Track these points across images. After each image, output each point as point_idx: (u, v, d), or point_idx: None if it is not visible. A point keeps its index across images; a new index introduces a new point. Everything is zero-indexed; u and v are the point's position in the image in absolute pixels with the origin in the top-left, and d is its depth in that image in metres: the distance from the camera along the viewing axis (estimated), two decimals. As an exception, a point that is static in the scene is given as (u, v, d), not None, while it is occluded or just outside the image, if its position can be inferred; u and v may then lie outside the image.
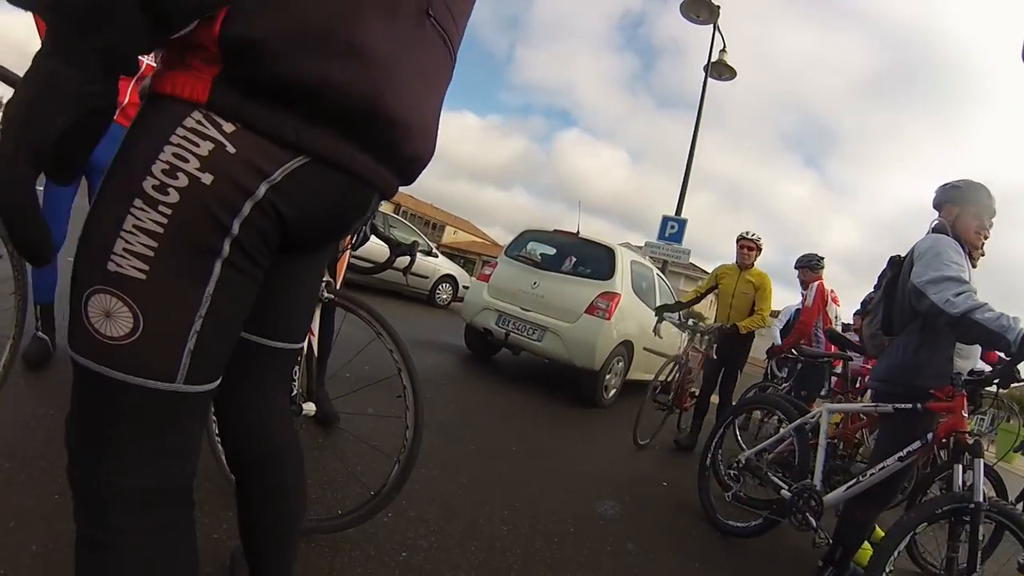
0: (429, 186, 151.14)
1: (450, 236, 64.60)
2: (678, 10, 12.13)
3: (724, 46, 13.27)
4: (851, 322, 8.51)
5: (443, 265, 14.70)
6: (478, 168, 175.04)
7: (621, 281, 7.24)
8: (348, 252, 3.58)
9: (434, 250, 14.48)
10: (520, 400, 6.49)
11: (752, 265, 6.40)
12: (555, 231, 8.21)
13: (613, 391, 7.47)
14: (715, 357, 6.31)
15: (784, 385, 7.11)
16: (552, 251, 8.18)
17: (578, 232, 7.83)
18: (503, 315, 7.34)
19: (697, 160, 13.03)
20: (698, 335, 6.53)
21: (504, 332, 7.23)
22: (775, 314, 9.56)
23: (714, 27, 12.98)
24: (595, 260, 7.60)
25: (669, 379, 6.23)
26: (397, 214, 53.99)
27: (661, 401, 6.14)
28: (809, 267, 7.11)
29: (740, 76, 13.17)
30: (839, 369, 6.40)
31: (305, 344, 2.49)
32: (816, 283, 6.84)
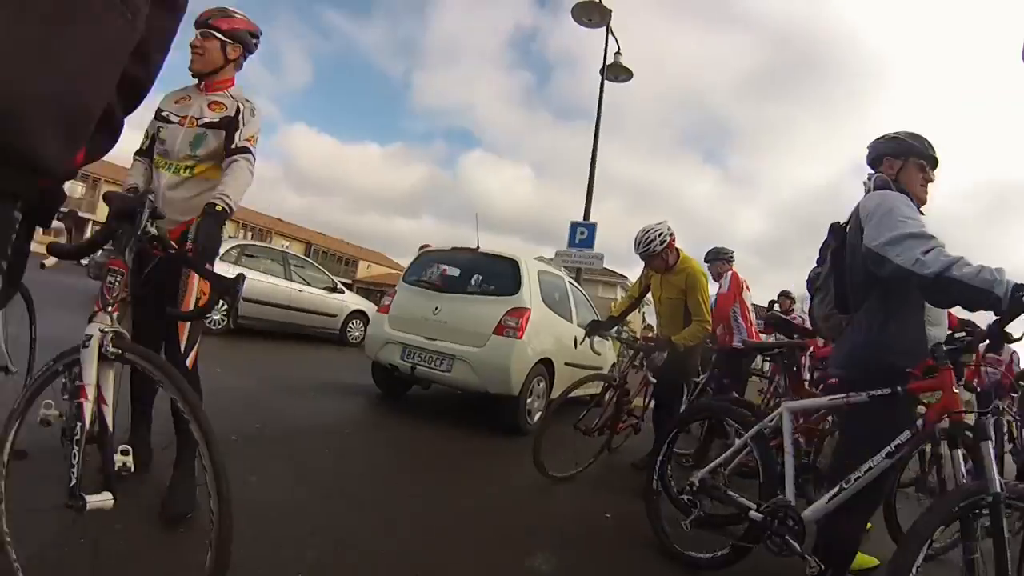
0: (338, 221, 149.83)
1: (364, 271, 64.03)
2: (567, 22, 12.09)
3: (619, 48, 13.23)
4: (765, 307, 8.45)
5: (351, 301, 14.15)
6: (385, 198, 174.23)
7: (530, 294, 6.70)
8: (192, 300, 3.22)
9: (339, 286, 13.88)
10: (435, 439, 5.95)
11: (672, 264, 5.50)
12: (453, 248, 7.64)
13: (538, 413, 6.86)
14: (653, 379, 5.55)
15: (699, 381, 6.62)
16: (455, 271, 7.54)
17: (478, 247, 7.24)
18: (407, 347, 6.72)
19: (601, 166, 13.02)
20: (632, 352, 5.79)
21: (410, 366, 6.61)
22: None
23: (607, 30, 12.84)
24: (499, 275, 7.05)
25: (595, 399, 5.56)
26: (308, 254, 53.52)
27: (584, 429, 5.27)
28: (721, 260, 6.99)
29: (634, 80, 13.21)
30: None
31: (87, 418, 2.02)
32: (730, 272, 6.76)
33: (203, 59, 3.38)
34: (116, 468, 2.24)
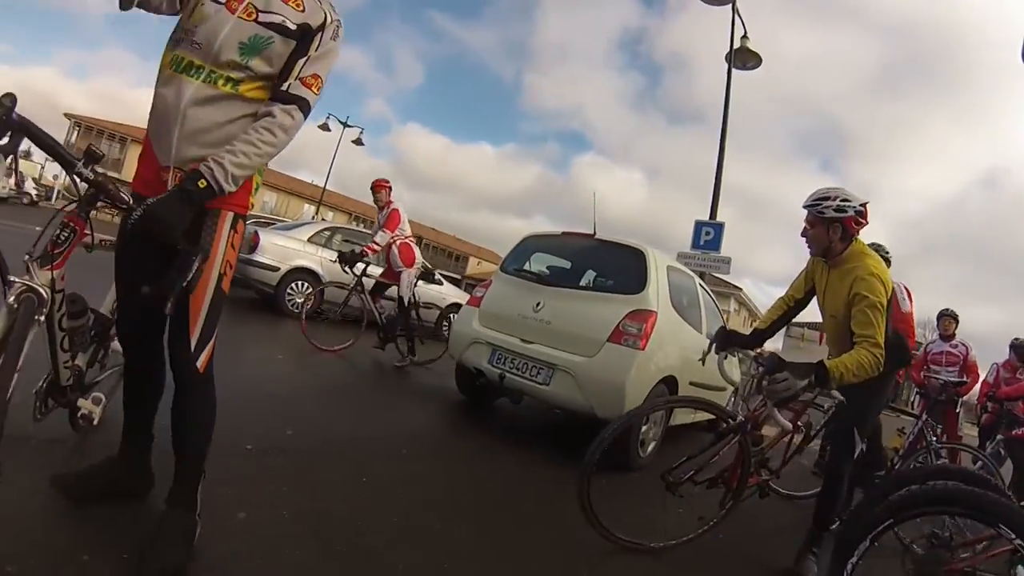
0: (451, 218, 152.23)
1: (474, 267, 63.81)
2: (675, 23, 10.87)
3: (745, 31, 11.66)
4: None
5: (449, 293, 13.09)
6: (498, 198, 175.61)
7: (656, 294, 5.30)
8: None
9: (437, 275, 12.79)
10: (516, 470, 4.67)
11: (842, 251, 3.70)
12: (563, 233, 6.31)
13: (652, 444, 5.50)
14: (787, 424, 3.73)
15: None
16: (563, 262, 6.33)
17: (595, 232, 5.85)
18: (498, 350, 5.47)
19: (712, 171, 11.61)
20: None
21: (499, 373, 5.35)
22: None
23: (733, 9, 11.50)
24: (619, 268, 5.73)
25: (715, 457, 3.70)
26: (419, 246, 53.81)
27: (672, 483, 3.57)
28: None
29: (746, 83, 11.82)
30: None
31: None
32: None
33: None
34: (79, 414, 2.70)
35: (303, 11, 2.31)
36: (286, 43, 2.29)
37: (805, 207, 3.67)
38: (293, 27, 2.28)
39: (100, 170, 2.12)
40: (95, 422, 2.84)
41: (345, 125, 31.90)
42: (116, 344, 3.00)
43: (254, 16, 2.25)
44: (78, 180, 2.09)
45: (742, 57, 11.70)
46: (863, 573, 2.59)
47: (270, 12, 2.27)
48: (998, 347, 8.44)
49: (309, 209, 46.51)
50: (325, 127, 30.99)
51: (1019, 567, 2.45)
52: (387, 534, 2.93)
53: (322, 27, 2.33)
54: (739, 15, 11.54)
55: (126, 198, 2.17)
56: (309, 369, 6.52)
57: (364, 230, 13.05)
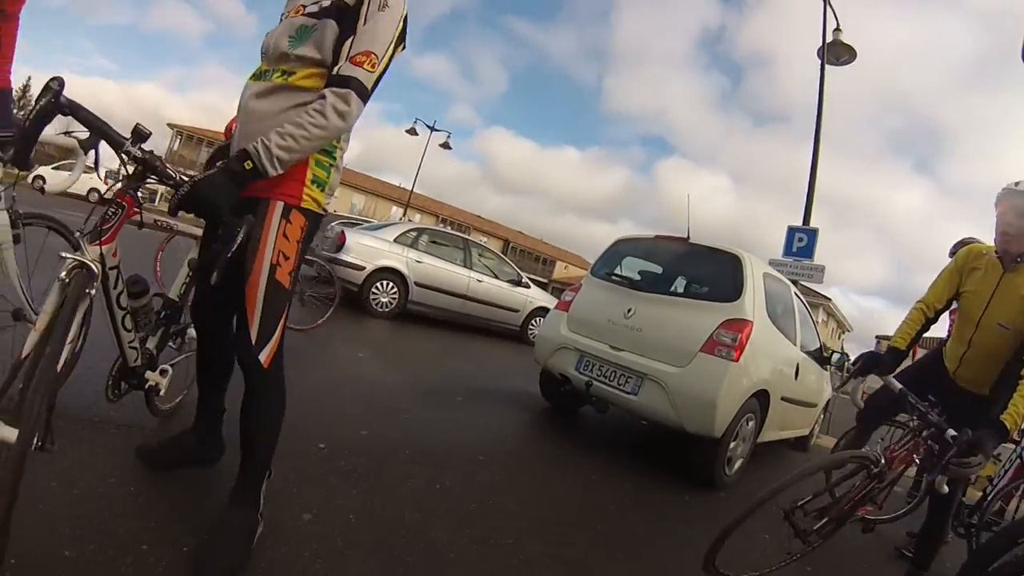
0: (537, 222, 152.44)
1: (561, 271, 63.66)
2: (754, 20, 10.39)
3: (838, 24, 10.95)
4: None
5: (536, 296, 12.92)
6: (583, 202, 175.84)
7: (753, 303, 5.04)
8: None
9: (524, 279, 12.80)
10: (598, 483, 4.46)
11: None
12: (657, 237, 6.04)
13: (739, 462, 5.25)
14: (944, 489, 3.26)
15: None
16: (655, 267, 6.10)
17: (688, 236, 5.62)
18: (585, 356, 5.30)
19: (799, 172, 11.26)
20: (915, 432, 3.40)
21: (586, 380, 5.16)
22: None
23: (824, 1, 10.91)
24: (714, 274, 5.47)
25: (835, 489, 3.42)
26: (505, 251, 54.06)
27: (800, 525, 3.23)
28: None
29: (835, 79, 11.00)
30: None
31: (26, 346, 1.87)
32: None
33: None
34: (147, 386, 2.83)
35: None
36: (326, 27, 2.28)
37: (1015, 192, 3.18)
38: (328, 4, 2.29)
39: (147, 148, 2.20)
40: (161, 392, 2.95)
41: (432, 129, 32.33)
42: (192, 331, 3.12)
43: (301, 12, 2.35)
44: (126, 159, 2.18)
45: (835, 52, 10.98)
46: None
47: (315, 4, 2.33)
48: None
49: (397, 211, 47.19)
50: (413, 131, 31.72)
51: None
52: (458, 548, 2.82)
53: (360, 1, 2.29)
54: (831, 6, 10.96)
55: (173, 175, 2.21)
56: (390, 369, 6.49)
57: (452, 232, 13.06)
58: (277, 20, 2.52)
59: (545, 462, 4.66)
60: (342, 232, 10.33)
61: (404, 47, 2.47)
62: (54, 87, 2.00)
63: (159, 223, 2.79)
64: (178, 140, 50.34)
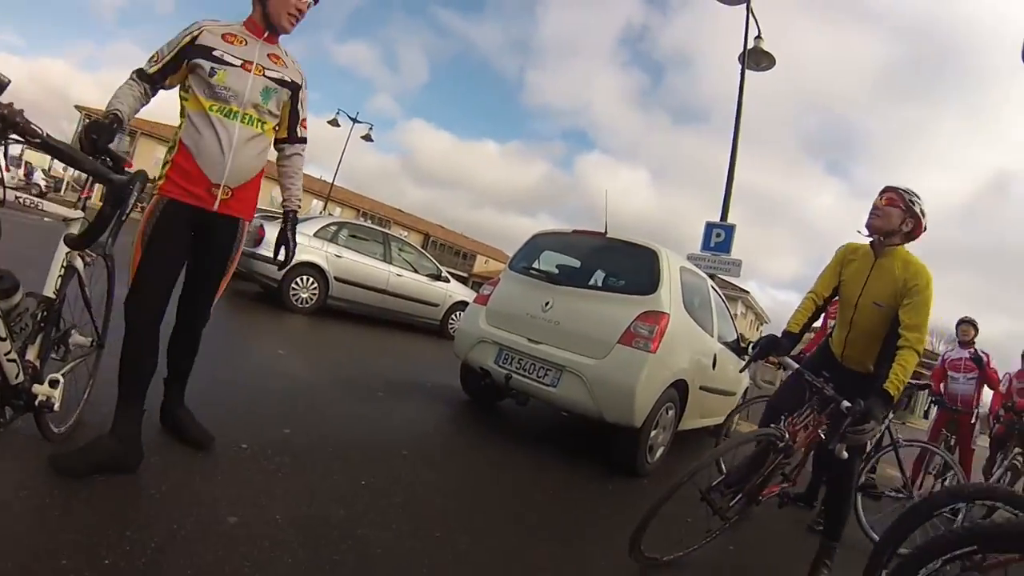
0: (457, 215, 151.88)
1: (481, 265, 63.61)
2: (678, 20, 10.69)
3: (759, 32, 11.37)
4: None
5: (456, 290, 12.85)
6: (503, 195, 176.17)
7: (669, 295, 5.11)
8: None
9: (444, 273, 12.69)
10: (520, 476, 4.48)
11: (897, 244, 3.67)
12: (574, 232, 6.13)
13: (660, 450, 5.34)
14: (844, 455, 3.47)
15: None
16: (573, 261, 6.12)
17: (606, 231, 5.66)
18: (504, 350, 5.30)
19: (718, 170, 11.57)
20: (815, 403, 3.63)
21: (505, 374, 5.17)
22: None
23: (747, 9, 11.21)
24: (631, 268, 5.55)
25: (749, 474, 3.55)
26: (425, 245, 53.82)
27: (717, 504, 3.40)
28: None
29: (752, 81, 11.45)
30: None
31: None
32: None
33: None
34: (37, 402, 2.39)
35: (285, 69, 3.18)
36: (281, 94, 3.16)
37: (893, 188, 3.63)
38: (286, 80, 3.16)
39: (4, 102, 1.86)
40: (55, 406, 2.46)
41: (355, 121, 31.69)
42: (77, 336, 2.83)
43: (263, 73, 3.06)
44: None
45: (756, 58, 11.41)
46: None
47: (272, 70, 3.10)
48: (1005, 357, 8.26)
49: (317, 204, 46.36)
50: (335, 123, 30.99)
51: None
52: (385, 542, 2.78)
53: (302, 87, 3.27)
54: (754, 15, 11.25)
55: (38, 130, 1.93)
56: (310, 366, 6.37)
57: (372, 226, 12.91)
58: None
59: (468, 456, 4.65)
60: (261, 226, 10.09)
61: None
62: None
63: (22, 201, 2.23)
64: (85, 123, 47.01)
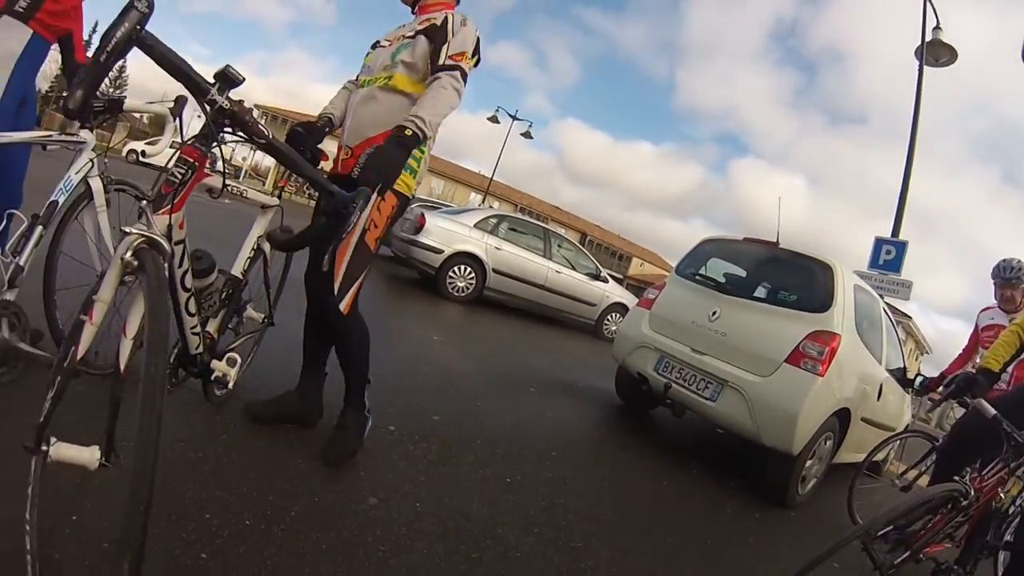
0: (610, 216, 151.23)
1: (636, 268, 63.01)
2: (829, 12, 9.83)
3: (938, 22, 10.25)
4: None
5: (613, 291, 12.71)
6: (656, 198, 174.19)
7: (843, 316, 4.84)
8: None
9: (603, 273, 12.59)
10: (668, 491, 4.37)
11: None
12: (745, 240, 5.87)
13: (812, 482, 5.04)
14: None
15: None
16: (741, 271, 5.91)
17: (778, 241, 5.43)
18: (665, 357, 5.17)
19: (878, 178, 10.76)
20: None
21: (664, 382, 5.04)
22: None
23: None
24: (803, 282, 5.24)
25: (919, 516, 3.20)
26: (583, 243, 53.85)
27: (879, 559, 2.96)
28: None
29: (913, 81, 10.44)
30: None
31: (82, 343, 1.59)
32: None
33: None
34: (213, 377, 2.64)
35: (433, 20, 2.98)
36: (420, 42, 2.94)
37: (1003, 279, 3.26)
38: (422, 27, 2.96)
39: (236, 98, 1.89)
40: (230, 385, 2.76)
41: (514, 118, 32.51)
42: (251, 311, 3.15)
43: (400, 39, 3.03)
44: (208, 109, 1.83)
45: (934, 51, 10.34)
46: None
47: (411, 30, 3.02)
48: None
49: (475, 197, 47.14)
50: (495, 119, 31.79)
51: None
52: (525, 547, 2.75)
53: (446, 20, 2.96)
54: (932, 4, 10.19)
55: (265, 131, 1.97)
56: (464, 355, 6.47)
57: (532, 220, 12.97)
58: (352, 11, 2.92)
59: (616, 463, 4.57)
60: (421, 215, 10.34)
61: (478, 62, 3.07)
62: (141, 8, 1.56)
63: (230, 189, 2.38)
64: (263, 120, 50.36)
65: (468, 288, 10.42)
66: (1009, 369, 4.68)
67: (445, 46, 2.90)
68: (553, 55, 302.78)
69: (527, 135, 32.97)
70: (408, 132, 2.62)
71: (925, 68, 10.57)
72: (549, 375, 6.92)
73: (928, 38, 10.36)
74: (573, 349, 10.16)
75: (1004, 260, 5.16)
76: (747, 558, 3.64)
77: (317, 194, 2.48)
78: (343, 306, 2.83)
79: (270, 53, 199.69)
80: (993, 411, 3.19)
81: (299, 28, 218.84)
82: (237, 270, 2.83)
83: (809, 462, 4.81)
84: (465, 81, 2.92)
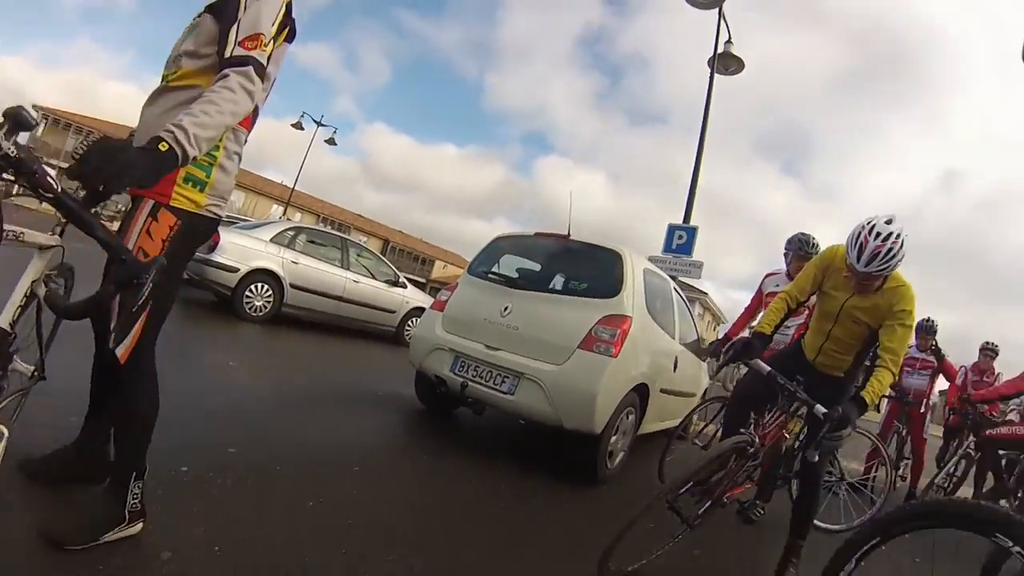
0: (415, 219, 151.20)
1: (439, 270, 63.47)
2: (637, 22, 10.97)
3: (730, 36, 11.57)
4: None
5: (412, 296, 12.59)
6: (461, 199, 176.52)
7: (632, 298, 4.98)
8: None
9: (401, 279, 12.48)
10: (485, 484, 4.34)
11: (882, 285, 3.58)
12: (536, 234, 5.93)
13: (620, 455, 5.21)
14: (814, 458, 3.69)
15: None
16: (535, 265, 5.97)
17: (568, 233, 5.52)
18: (460, 357, 5.10)
19: (677, 172, 11.78)
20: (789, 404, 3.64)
21: (461, 382, 4.97)
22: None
23: (719, 13, 11.33)
24: (594, 271, 5.40)
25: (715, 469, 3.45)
26: (385, 250, 53.53)
27: (684, 512, 3.31)
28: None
29: (707, 82, 11.80)
30: None
31: None
32: None
33: None
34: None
35: None
36: (208, 21, 2.29)
37: (863, 271, 3.39)
38: (212, 2, 2.30)
39: (25, 144, 1.60)
40: None
41: (319, 124, 31.44)
42: (19, 363, 2.52)
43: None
44: None
45: (725, 62, 11.62)
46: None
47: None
48: (952, 351, 8.50)
49: (278, 210, 45.60)
50: (299, 125, 30.34)
51: None
52: (335, 568, 2.59)
53: None
54: (725, 20, 11.43)
55: (54, 184, 1.64)
56: (261, 377, 6.16)
57: (329, 231, 12.67)
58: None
59: (422, 469, 4.45)
60: (215, 231, 9.64)
61: (292, 39, 2.51)
62: None
63: (9, 235, 1.85)
64: (43, 124, 44.59)
65: (266, 306, 9.95)
66: (791, 331, 5.02)
67: (234, 27, 2.23)
68: (366, 56, 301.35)
69: (331, 141, 31.95)
70: (163, 147, 1.91)
71: (716, 76, 11.76)
72: (350, 387, 6.73)
73: (720, 50, 11.56)
74: (374, 358, 10.01)
75: (803, 234, 5.48)
76: (565, 539, 3.67)
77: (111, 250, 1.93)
78: (120, 352, 2.27)
79: (59, 43, 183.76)
80: (768, 368, 3.52)
81: (94, 15, 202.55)
82: (4, 322, 2.35)
83: (614, 438, 4.95)
84: (262, 73, 2.24)
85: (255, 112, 2.53)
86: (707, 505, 3.40)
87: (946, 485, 7.15)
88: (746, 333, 5.13)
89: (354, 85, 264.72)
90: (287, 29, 2.45)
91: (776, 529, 4.37)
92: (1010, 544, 2.03)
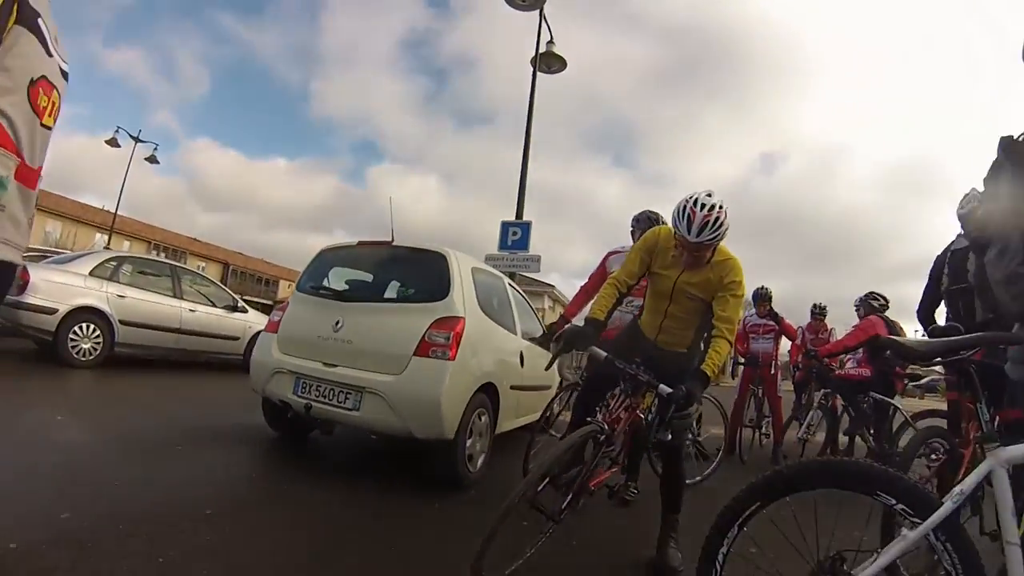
0: (253, 239, 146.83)
1: (285, 290, 61.39)
2: (460, 24, 11.33)
3: (551, 36, 12.32)
4: None
5: (255, 320, 12.12)
6: (296, 214, 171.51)
7: (463, 298, 5.01)
8: None
9: (240, 303, 12.05)
10: (346, 507, 4.23)
11: (711, 258, 3.71)
12: (360, 244, 5.85)
13: (481, 457, 5.23)
14: (669, 437, 3.70)
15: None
16: (364, 276, 5.91)
17: (392, 239, 5.48)
18: (301, 378, 4.98)
19: (508, 171, 12.06)
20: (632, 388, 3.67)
21: (305, 403, 4.86)
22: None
23: (540, 14, 11.93)
24: (421, 275, 5.41)
25: (569, 461, 3.64)
26: (226, 274, 51.84)
27: (549, 509, 3.30)
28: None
29: (531, 82, 12.49)
30: None
31: None
32: None
33: None
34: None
35: None
36: None
37: (694, 242, 3.47)
38: None
39: None
40: None
41: (137, 140, 28.78)
42: None
43: None
44: None
45: (548, 61, 12.25)
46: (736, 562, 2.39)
47: None
48: (791, 316, 9.48)
49: (102, 239, 42.22)
50: (114, 142, 27.69)
51: (903, 529, 2.19)
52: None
53: None
54: (546, 20, 12.04)
55: None
56: (95, 429, 5.68)
57: (156, 259, 12.11)
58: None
59: (279, 501, 4.26)
60: (24, 269, 8.60)
61: (25, 22, 1.87)
62: None
63: None
64: None
65: (96, 348, 9.23)
66: (635, 307, 5.08)
67: None
68: (183, 63, 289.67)
69: (152, 159, 29.40)
70: None
71: (540, 75, 12.47)
72: (198, 425, 6.38)
73: (543, 50, 12.23)
74: (223, 389, 9.55)
75: (651, 211, 5.56)
76: (437, 552, 3.63)
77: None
78: None
79: None
80: (604, 354, 3.54)
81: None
82: None
83: (469, 441, 4.97)
84: None
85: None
86: (570, 497, 3.40)
87: (806, 437, 7.59)
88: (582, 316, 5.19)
89: (173, 96, 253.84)
90: (14, 7, 1.81)
91: (652, 505, 4.33)
92: (893, 502, 2.11)
